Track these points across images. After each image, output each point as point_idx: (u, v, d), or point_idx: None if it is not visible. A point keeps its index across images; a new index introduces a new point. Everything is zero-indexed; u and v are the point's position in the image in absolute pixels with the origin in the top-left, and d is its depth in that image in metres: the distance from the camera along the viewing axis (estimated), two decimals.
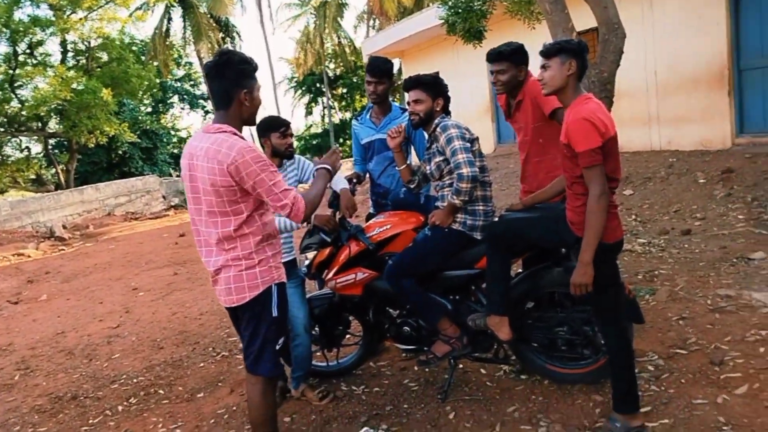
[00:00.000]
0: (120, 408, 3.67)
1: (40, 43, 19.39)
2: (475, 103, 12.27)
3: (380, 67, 3.56)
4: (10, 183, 22.76)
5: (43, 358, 4.89)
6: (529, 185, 3.20)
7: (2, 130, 19.39)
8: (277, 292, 2.38)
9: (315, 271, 3.20)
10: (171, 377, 4.06)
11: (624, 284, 2.64)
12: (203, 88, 33.69)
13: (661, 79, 8.64)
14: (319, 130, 36.40)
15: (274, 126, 3.14)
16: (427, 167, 3.09)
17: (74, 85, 17.80)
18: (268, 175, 2.21)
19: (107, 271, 8.83)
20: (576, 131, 2.27)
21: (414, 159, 3.65)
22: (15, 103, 19.20)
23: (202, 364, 4.22)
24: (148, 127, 27.98)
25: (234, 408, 3.39)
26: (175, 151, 29.95)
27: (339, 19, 28.15)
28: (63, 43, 20.62)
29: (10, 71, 18.32)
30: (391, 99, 3.77)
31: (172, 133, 32.92)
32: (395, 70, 7.40)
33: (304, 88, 34.81)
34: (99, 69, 20.82)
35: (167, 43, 26.74)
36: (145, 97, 27.49)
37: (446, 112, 3.11)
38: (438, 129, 2.97)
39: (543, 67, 2.43)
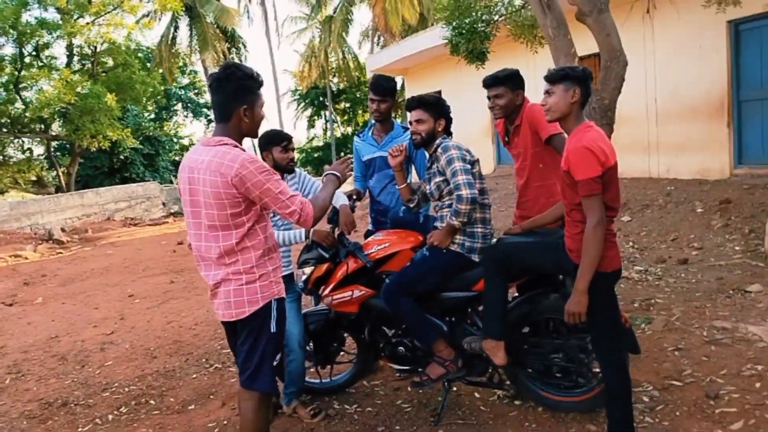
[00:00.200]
0: (110, 417, 3.64)
1: (47, 45, 19.46)
2: (475, 123, 12.33)
3: (384, 85, 3.60)
4: (11, 184, 22.73)
5: (36, 363, 4.86)
6: (529, 210, 3.20)
7: (5, 131, 19.40)
8: (276, 308, 2.37)
9: (312, 287, 3.20)
10: (163, 387, 4.04)
11: (621, 313, 2.65)
12: (207, 97, 33.79)
13: (661, 107, 8.70)
14: (321, 144, 36.53)
15: (276, 140, 3.16)
16: (427, 187, 3.11)
17: (79, 89, 17.85)
18: (273, 183, 2.21)
19: (104, 277, 8.79)
20: (576, 159, 2.28)
21: (414, 178, 3.67)
22: (19, 105, 19.27)
23: (194, 376, 4.20)
24: (150, 133, 28.08)
25: (225, 422, 3.36)
26: (177, 158, 30.02)
27: (344, 34, 28.30)
28: (69, 47, 20.72)
29: (16, 72, 18.40)
30: (393, 116, 3.81)
31: (175, 140, 33.07)
32: (398, 87, 7.45)
33: (307, 101, 34.95)
34: (104, 74, 20.94)
35: (173, 51, 26.87)
36: (149, 103, 27.53)
37: (448, 132, 3.14)
38: (439, 149, 3.00)
39: (547, 92, 2.43)
